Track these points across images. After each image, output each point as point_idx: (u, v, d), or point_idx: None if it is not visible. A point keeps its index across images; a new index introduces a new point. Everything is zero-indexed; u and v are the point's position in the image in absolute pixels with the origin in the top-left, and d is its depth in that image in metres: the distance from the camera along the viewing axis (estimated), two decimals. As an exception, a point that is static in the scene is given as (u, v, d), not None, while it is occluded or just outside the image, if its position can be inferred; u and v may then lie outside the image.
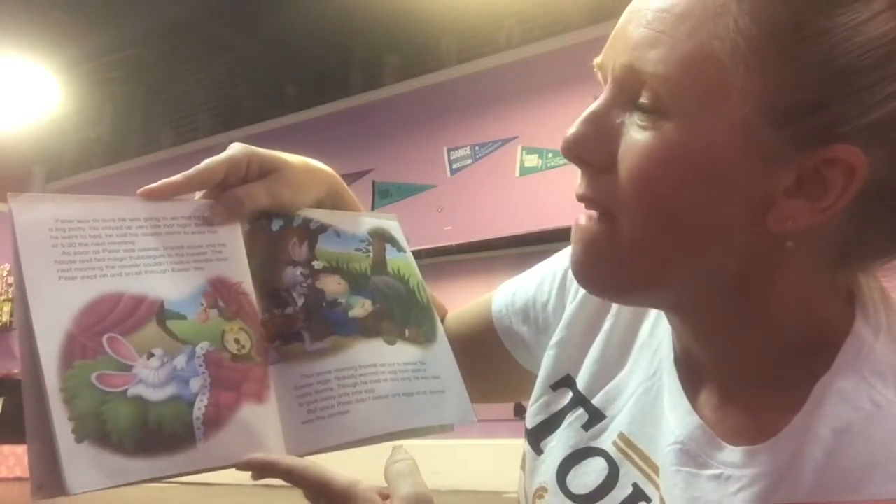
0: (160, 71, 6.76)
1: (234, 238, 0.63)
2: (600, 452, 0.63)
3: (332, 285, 0.66)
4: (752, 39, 0.48)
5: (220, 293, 0.60)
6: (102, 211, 0.58)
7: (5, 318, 7.30)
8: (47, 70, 5.72)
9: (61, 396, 0.51)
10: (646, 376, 0.63)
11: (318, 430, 0.59)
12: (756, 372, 0.56)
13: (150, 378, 0.54)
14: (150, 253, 0.59)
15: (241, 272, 0.62)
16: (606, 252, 0.54)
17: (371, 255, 0.70)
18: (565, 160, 0.54)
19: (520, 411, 3.68)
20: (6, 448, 6.63)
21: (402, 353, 0.66)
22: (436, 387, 0.67)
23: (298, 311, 0.63)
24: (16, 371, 7.03)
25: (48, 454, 0.50)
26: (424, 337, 0.69)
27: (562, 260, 0.74)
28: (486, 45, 5.43)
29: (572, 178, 0.56)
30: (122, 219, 0.59)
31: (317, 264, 0.66)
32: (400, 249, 0.73)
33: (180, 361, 0.56)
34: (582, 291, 0.69)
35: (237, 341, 0.59)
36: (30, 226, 0.55)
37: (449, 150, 5.48)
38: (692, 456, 0.56)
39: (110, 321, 0.55)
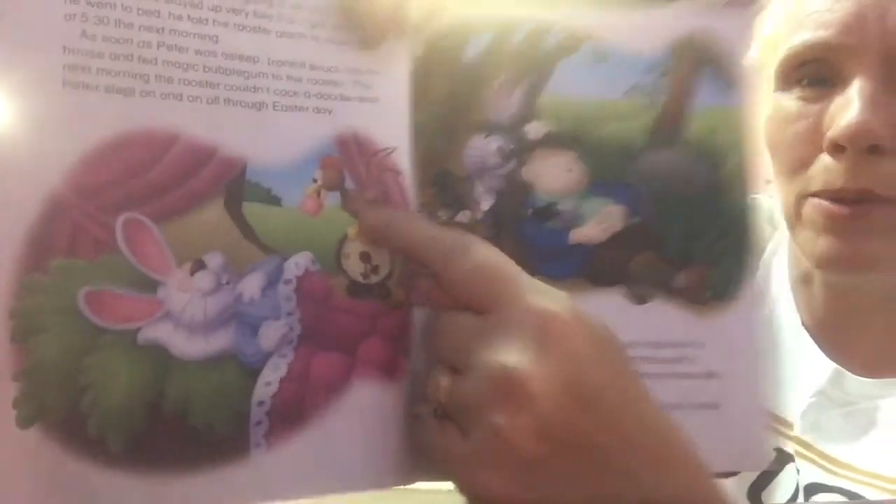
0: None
1: (393, 63, 0.35)
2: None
3: (554, 174, 0.36)
4: None
5: (350, 164, 0.34)
6: None
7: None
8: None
9: (10, 328, 0.27)
10: None
11: None
12: None
13: (188, 311, 0.30)
14: (242, 66, 0.32)
15: (395, 130, 0.35)
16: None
17: (659, 100, 0.37)
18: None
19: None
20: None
21: (661, 319, 0.37)
22: (707, 394, 0.37)
23: (482, 218, 0.36)
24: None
25: None
26: (715, 287, 0.37)
27: None
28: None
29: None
30: None
31: (533, 129, 0.36)
32: (731, 85, 0.37)
33: (251, 285, 0.31)
34: None
35: (365, 258, 0.34)
36: None
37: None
38: (832, 398, 0.56)
39: (140, 186, 0.29)
